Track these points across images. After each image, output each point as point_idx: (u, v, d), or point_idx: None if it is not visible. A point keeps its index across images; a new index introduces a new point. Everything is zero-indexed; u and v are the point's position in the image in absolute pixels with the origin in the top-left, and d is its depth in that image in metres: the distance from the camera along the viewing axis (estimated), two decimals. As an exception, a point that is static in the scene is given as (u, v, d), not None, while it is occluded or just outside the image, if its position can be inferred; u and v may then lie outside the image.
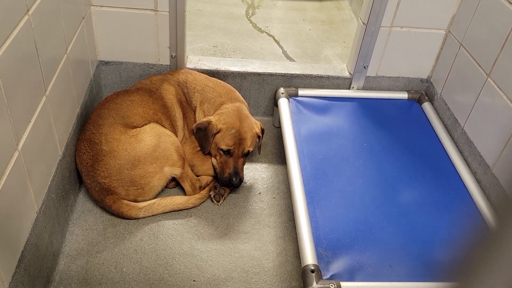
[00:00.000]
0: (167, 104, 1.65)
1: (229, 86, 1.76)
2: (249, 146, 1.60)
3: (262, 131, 1.69)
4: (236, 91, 1.75)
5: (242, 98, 1.74)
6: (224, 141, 1.58)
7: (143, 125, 1.56)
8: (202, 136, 1.59)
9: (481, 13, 1.62)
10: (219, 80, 1.77)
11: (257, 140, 1.66)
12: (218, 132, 1.58)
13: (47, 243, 1.27)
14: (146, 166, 1.49)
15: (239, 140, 1.58)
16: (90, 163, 1.48)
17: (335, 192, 1.48)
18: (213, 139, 1.59)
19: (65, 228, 1.45)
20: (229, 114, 1.61)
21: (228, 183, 1.59)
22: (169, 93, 1.66)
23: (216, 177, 1.65)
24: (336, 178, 1.54)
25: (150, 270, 1.37)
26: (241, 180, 1.60)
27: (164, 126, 1.60)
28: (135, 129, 1.54)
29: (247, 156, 1.66)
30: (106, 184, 1.46)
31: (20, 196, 1.10)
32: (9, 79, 1.01)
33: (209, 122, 1.58)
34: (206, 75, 1.77)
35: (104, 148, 1.48)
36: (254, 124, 1.63)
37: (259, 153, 1.75)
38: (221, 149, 1.58)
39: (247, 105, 1.74)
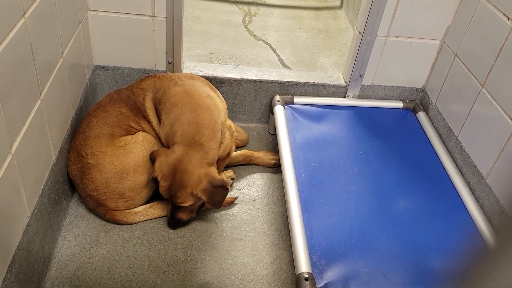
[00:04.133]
0: (149, 119, 1.56)
1: (196, 114, 1.44)
2: (181, 202, 1.40)
3: (220, 186, 1.39)
4: (201, 125, 1.42)
5: (203, 136, 1.42)
6: (160, 188, 1.43)
7: (128, 135, 1.51)
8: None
9: (475, 24, 1.63)
10: (193, 102, 1.46)
11: (198, 197, 1.40)
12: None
13: (38, 248, 1.25)
14: (136, 177, 1.45)
15: (170, 194, 1.41)
16: (79, 175, 1.47)
17: (330, 200, 1.48)
18: None
19: (57, 233, 1.43)
20: (168, 162, 1.39)
21: None
22: (149, 108, 1.55)
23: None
24: (331, 186, 1.54)
25: (142, 277, 1.36)
26: (176, 224, 1.48)
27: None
28: (124, 138, 1.48)
29: (189, 207, 1.46)
30: (95, 197, 1.45)
31: (12, 200, 1.08)
32: (4, 81, 1.00)
33: (154, 160, 1.43)
34: (186, 88, 1.51)
35: (90, 161, 1.44)
36: (195, 181, 1.37)
37: (216, 208, 1.50)
38: None
39: (207, 146, 1.42)
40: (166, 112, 1.47)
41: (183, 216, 1.47)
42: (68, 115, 1.51)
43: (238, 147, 1.84)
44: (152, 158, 1.45)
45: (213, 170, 1.42)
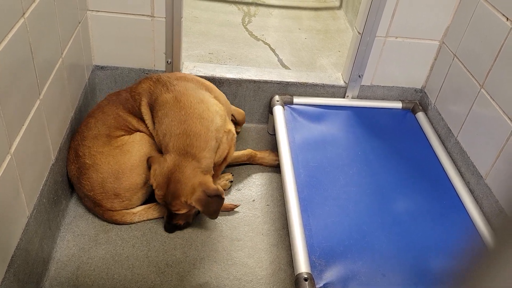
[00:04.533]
0: (146, 123, 1.55)
1: (186, 124, 1.40)
2: (176, 210, 1.40)
3: (215, 195, 1.36)
4: (192, 135, 1.39)
5: (194, 147, 1.39)
6: (155, 195, 1.42)
7: (125, 135, 1.51)
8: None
9: (475, 24, 1.64)
10: (182, 112, 1.43)
11: (193, 206, 1.38)
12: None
13: (37, 249, 1.25)
14: (132, 177, 1.45)
15: (165, 202, 1.40)
16: (76, 175, 1.47)
17: (329, 200, 1.48)
18: None
19: (56, 234, 1.43)
20: (162, 172, 1.37)
21: None
22: (145, 113, 1.54)
23: None
24: (330, 186, 1.54)
25: (141, 277, 1.36)
26: (172, 228, 1.48)
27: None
28: (121, 138, 1.48)
29: (185, 214, 1.44)
30: (92, 197, 1.45)
31: (12, 200, 1.08)
32: (3, 81, 1.00)
33: (149, 167, 1.42)
34: (177, 95, 1.47)
35: (87, 161, 1.45)
36: (188, 191, 1.35)
37: (212, 218, 1.44)
38: None
39: (199, 156, 1.39)
40: (158, 121, 1.46)
41: (179, 221, 1.47)
42: (67, 115, 1.51)
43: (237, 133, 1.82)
44: (149, 164, 1.44)
45: (208, 179, 1.39)
